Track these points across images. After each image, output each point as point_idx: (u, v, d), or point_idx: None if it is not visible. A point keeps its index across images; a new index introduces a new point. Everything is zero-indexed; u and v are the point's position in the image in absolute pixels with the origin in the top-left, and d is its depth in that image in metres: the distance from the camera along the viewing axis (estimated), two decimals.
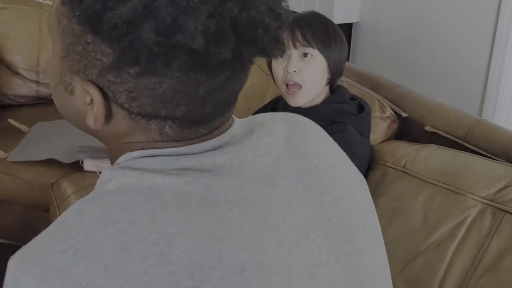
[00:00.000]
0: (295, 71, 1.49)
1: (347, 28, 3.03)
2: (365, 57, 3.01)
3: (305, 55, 1.50)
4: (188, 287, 0.51)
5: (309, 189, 0.64)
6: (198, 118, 0.60)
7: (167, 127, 0.60)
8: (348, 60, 3.03)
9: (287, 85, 1.52)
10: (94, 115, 0.60)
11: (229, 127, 0.65)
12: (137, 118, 0.60)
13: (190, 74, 0.55)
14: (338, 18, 2.89)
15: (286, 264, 0.57)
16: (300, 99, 1.53)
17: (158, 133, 0.61)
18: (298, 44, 1.49)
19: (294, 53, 1.50)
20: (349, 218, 0.65)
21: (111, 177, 0.60)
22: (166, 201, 0.56)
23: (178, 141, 0.61)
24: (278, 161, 0.64)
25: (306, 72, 1.49)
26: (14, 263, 0.54)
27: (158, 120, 0.59)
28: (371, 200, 0.76)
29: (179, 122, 0.60)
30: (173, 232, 0.53)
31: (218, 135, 0.63)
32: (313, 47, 1.48)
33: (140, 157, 0.62)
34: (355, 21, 3.01)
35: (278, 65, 1.54)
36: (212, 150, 0.62)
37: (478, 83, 2.32)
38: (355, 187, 0.71)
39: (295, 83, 1.51)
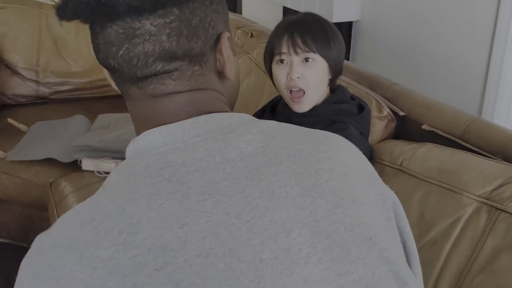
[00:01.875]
0: (298, 77, 1.48)
1: (347, 26, 3.02)
2: (365, 56, 3.01)
3: (306, 60, 1.48)
4: (152, 269, 0.55)
5: (300, 189, 0.64)
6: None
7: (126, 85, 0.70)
8: (348, 58, 3.05)
9: (290, 91, 1.52)
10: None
11: (214, 112, 0.69)
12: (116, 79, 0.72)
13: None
14: (338, 16, 2.88)
15: (257, 255, 0.58)
16: (305, 105, 1.52)
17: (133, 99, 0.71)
18: (299, 50, 1.48)
19: (295, 59, 1.49)
20: (346, 225, 0.65)
21: (118, 168, 0.68)
22: (138, 196, 0.61)
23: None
24: (272, 161, 0.65)
25: (309, 77, 1.49)
26: (23, 259, 0.62)
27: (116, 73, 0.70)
28: (403, 224, 0.74)
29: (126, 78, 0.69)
30: (139, 220, 0.58)
31: (193, 112, 0.69)
32: (314, 51, 1.47)
33: (133, 154, 0.68)
34: (355, 19, 3.00)
35: (280, 71, 1.52)
36: (196, 140, 0.66)
37: (478, 82, 2.31)
38: (370, 203, 0.69)
39: (299, 89, 1.50)
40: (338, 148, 0.72)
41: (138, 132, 0.73)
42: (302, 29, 1.49)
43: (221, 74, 0.74)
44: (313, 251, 0.61)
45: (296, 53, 1.48)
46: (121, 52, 0.67)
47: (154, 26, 0.66)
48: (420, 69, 2.59)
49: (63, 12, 0.67)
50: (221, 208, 0.60)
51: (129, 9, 0.64)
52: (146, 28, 0.65)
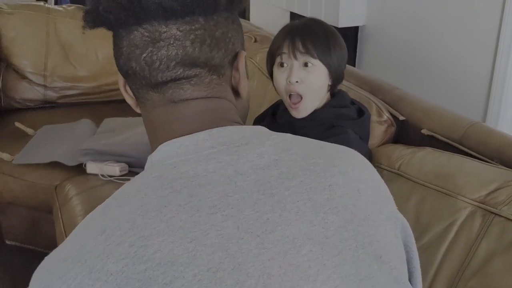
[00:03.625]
0: (297, 82, 1.49)
1: (353, 31, 3.03)
2: (371, 60, 3.01)
3: (306, 64, 1.49)
4: (161, 283, 0.55)
5: (312, 204, 0.64)
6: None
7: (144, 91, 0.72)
8: (354, 63, 3.05)
9: (290, 96, 1.53)
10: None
11: (227, 125, 0.70)
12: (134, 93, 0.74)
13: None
14: (344, 21, 2.89)
15: (266, 271, 0.58)
16: (303, 111, 1.53)
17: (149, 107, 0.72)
18: (299, 54, 1.48)
19: (295, 63, 1.49)
20: (358, 243, 0.64)
21: (131, 179, 0.68)
22: (149, 208, 0.60)
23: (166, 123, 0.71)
24: (285, 175, 0.65)
25: (308, 82, 1.49)
26: (36, 270, 0.62)
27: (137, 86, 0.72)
28: (413, 248, 0.76)
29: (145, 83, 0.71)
30: (149, 234, 0.58)
31: (205, 123, 0.70)
32: (314, 57, 1.48)
33: (147, 167, 0.70)
34: (361, 24, 3.01)
35: (280, 75, 1.53)
36: (209, 152, 0.66)
37: (482, 87, 2.31)
38: (384, 220, 0.69)
39: (297, 94, 1.51)
40: (354, 163, 0.72)
41: (152, 140, 0.74)
42: (304, 33, 1.50)
43: (235, 91, 0.76)
44: (322, 268, 0.61)
45: (295, 57, 1.49)
46: (144, 55, 0.68)
47: (180, 31, 0.68)
48: (425, 74, 2.59)
49: (93, 14, 0.69)
50: (232, 222, 0.60)
51: (160, 11, 0.66)
52: (172, 32, 0.68)
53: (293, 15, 3.39)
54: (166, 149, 0.68)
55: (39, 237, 2.35)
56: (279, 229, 0.61)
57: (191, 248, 0.57)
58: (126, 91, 0.77)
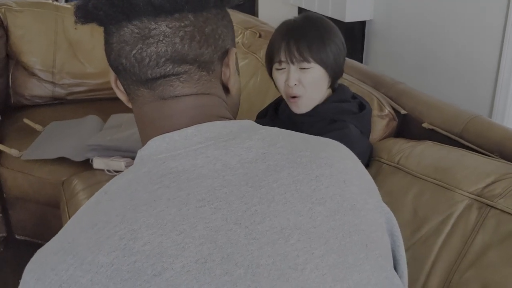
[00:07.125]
0: (295, 84, 1.51)
1: (360, 26, 3.03)
2: (378, 55, 3.01)
3: (302, 67, 1.51)
4: (150, 275, 0.56)
5: (300, 195, 0.65)
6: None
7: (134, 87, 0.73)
8: (361, 58, 3.05)
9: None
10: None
11: (217, 120, 0.71)
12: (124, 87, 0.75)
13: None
14: (350, 16, 2.89)
15: (254, 261, 0.59)
16: (303, 107, 1.55)
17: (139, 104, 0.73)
18: (295, 60, 1.50)
19: (292, 68, 1.51)
20: (345, 232, 0.66)
21: (121, 174, 0.69)
22: (138, 202, 0.62)
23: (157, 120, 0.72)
24: (272, 168, 0.67)
25: (306, 83, 1.51)
26: (28, 263, 0.64)
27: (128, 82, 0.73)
28: (395, 236, 0.77)
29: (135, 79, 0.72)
30: (139, 227, 0.59)
31: (193, 119, 0.71)
32: (309, 61, 1.49)
33: (137, 162, 0.71)
34: (368, 19, 3.00)
35: (279, 76, 1.55)
36: (197, 147, 0.67)
37: (489, 81, 2.30)
38: (370, 210, 0.71)
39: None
40: (339, 155, 0.73)
41: (142, 136, 0.75)
42: (299, 37, 1.50)
43: (225, 88, 0.77)
44: (310, 257, 0.62)
45: (292, 62, 1.51)
46: (134, 52, 0.69)
47: (170, 28, 0.68)
48: (432, 68, 2.58)
49: (83, 10, 0.70)
50: (220, 214, 0.61)
51: (149, 8, 0.67)
52: (161, 29, 0.68)
53: (301, 10, 3.39)
54: (155, 144, 0.69)
55: (47, 232, 2.37)
56: (267, 220, 0.62)
57: (180, 241, 0.58)
58: (117, 86, 0.78)
